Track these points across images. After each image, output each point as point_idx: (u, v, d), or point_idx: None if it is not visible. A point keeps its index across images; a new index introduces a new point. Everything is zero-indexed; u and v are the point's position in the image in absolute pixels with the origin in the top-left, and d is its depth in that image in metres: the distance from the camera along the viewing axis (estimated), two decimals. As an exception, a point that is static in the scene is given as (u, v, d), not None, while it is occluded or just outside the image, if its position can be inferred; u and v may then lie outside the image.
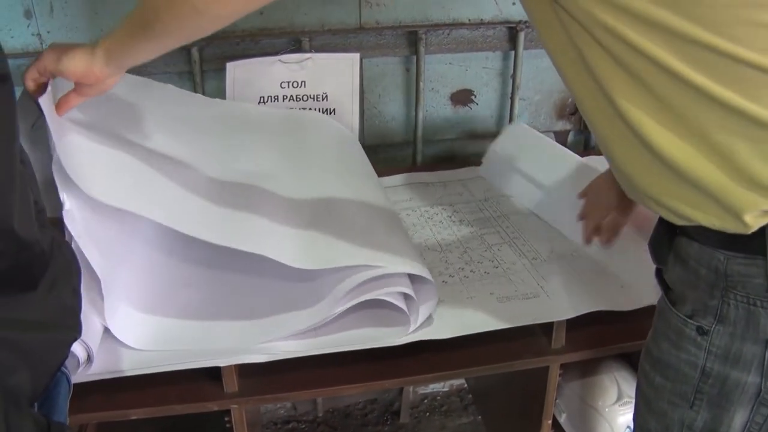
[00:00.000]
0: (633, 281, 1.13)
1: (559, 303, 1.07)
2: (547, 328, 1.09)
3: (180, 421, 1.43)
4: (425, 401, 1.87)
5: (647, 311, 1.08)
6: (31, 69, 0.92)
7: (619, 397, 1.38)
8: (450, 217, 1.35)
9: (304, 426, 1.81)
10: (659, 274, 0.79)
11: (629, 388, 1.40)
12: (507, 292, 1.10)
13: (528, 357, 1.10)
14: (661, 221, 0.77)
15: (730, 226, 0.65)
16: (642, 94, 0.65)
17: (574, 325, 1.08)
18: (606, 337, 1.12)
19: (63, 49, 0.88)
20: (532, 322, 1.04)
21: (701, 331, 0.70)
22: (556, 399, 1.49)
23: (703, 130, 0.63)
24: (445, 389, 1.90)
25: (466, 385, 1.86)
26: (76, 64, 0.87)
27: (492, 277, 1.14)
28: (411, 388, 1.83)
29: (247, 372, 1.04)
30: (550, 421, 1.22)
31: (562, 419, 1.46)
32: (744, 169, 0.63)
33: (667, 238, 0.75)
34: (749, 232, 0.64)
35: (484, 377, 1.61)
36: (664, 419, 0.78)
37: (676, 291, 0.75)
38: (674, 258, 0.74)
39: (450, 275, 1.15)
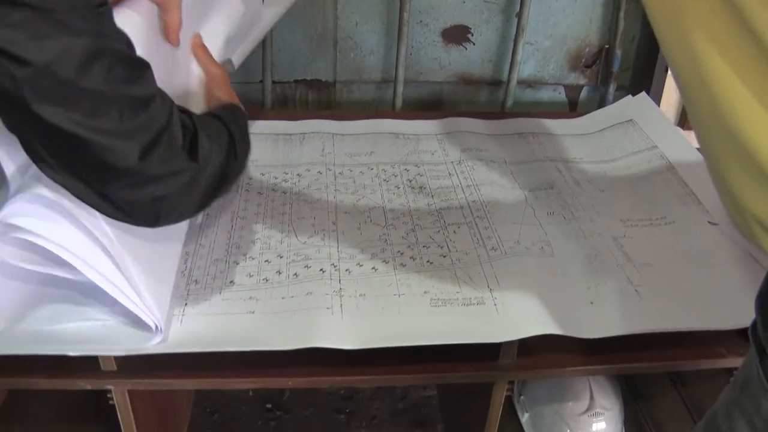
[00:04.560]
0: (606, 299, 0.91)
1: (504, 318, 0.85)
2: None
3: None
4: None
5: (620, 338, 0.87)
6: None
7: (590, 407, 1.25)
8: (410, 181, 1.13)
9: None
10: (754, 331, 0.58)
11: (603, 396, 1.25)
12: (446, 294, 0.88)
13: (467, 370, 0.90)
14: None
15: None
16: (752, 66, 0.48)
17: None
18: (569, 358, 0.92)
19: None
20: (459, 341, 0.82)
21: None
22: (521, 395, 1.33)
23: None
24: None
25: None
26: None
27: (434, 269, 0.93)
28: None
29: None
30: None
31: (524, 419, 1.34)
32: None
33: None
34: None
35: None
36: None
37: None
38: None
39: (384, 261, 0.94)
